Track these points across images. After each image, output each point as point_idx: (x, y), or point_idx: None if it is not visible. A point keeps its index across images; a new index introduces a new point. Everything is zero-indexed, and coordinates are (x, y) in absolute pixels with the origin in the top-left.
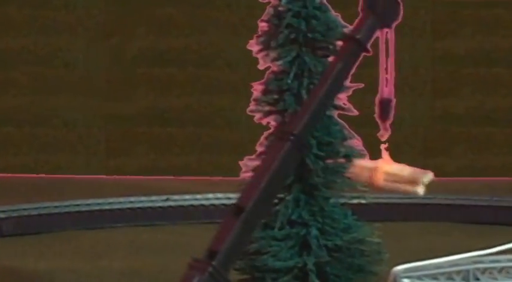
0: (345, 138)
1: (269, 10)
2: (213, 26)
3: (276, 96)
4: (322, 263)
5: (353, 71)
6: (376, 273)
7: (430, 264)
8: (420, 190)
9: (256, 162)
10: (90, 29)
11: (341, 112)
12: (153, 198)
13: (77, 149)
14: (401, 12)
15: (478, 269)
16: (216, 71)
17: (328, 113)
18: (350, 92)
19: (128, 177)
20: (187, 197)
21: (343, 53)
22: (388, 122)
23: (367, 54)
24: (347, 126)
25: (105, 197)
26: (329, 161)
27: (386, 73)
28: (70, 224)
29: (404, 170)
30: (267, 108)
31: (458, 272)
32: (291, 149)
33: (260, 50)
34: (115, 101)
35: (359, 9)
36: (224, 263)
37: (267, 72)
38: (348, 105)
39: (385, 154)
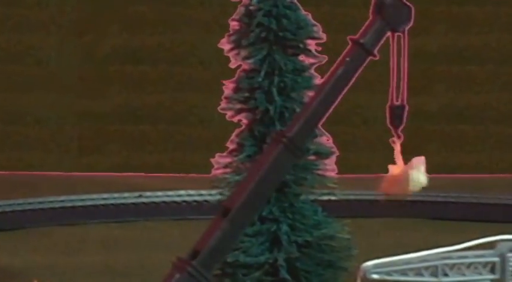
0: (314, 136)
1: (240, 9)
2: (186, 24)
3: (247, 94)
4: (293, 258)
5: (357, 75)
6: (345, 268)
7: (399, 260)
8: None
9: (228, 160)
10: (62, 27)
11: None
12: (126, 195)
13: (49, 146)
14: (412, 16)
15: (446, 264)
16: (189, 69)
17: (298, 110)
18: None
19: (101, 174)
20: (159, 193)
21: (346, 57)
22: (401, 129)
23: (374, 59)
24: None
25: (79, 194)
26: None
27: (398, 78)
28: (44, 220)
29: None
30: (238, 106)
31: (426, 268)
32: (283, 152)
33: (231, 49)
34: (88, 99)
35: (369, 12)
36: (205, 263)
37: (238, 70)
38: None
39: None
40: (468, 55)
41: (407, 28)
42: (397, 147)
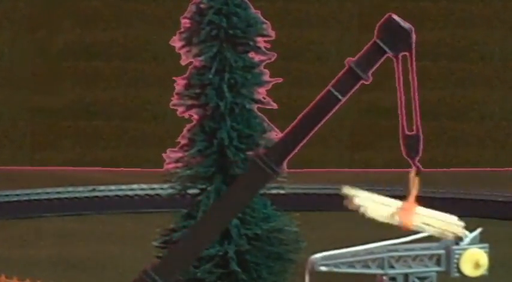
0: (264, 131)
1: (191, 7)
2: (139, 19)
3: (198, 91)
4: (243, 251)
5: (348, 96)
6: (294, 261)
7: (346, 252)
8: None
9: (179, 154)
10: (15, 22)
11: (261, 106)
12: (80, 188)
13: (2, 142)
14: (413, 41)
15: (392, 257)
16: (142, 64)
17: (248, 106)
18: (269, 86)
19: (55, 168)
20: (112, 187)
21: (338, 79)
22: (417, 158)
23: (365, 82)
24: (266, 119)
25: (33, 188)
26: (249, 153)
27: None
28: None
29: (438, 216)
30: (189, 102)
31: (373, 260)
32: (253, 169)
33: (182, 46)
34: (41, 95)
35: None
36: (162, 271)
37: (190, 67)
38: (267, 99)
39: (412, 196)
40: (422, 51)
41: (413, 53)
42: (415, 182)
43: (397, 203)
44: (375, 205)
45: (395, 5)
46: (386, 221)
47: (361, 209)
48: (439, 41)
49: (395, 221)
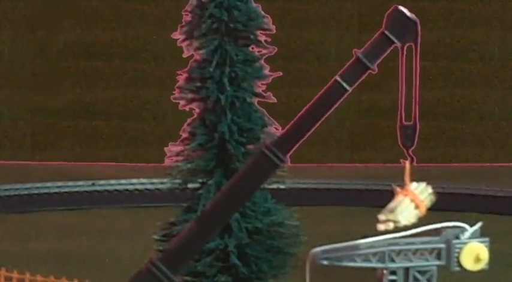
0: (265, 125)
1: (192, 1)
2: (139, 19)
3: (198, 84)
4: (243, 244)
5: (354, 87)
6: (294, 254)
7: (347, 246)
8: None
9: (180, 148)
10: (15, 22)
11: (261, 99)
12: (80, 183)
13: (3, 142)
14: (419, 32)
15: (393, 250)
16: (142, 64)
17: (248, 100)
18: (269, 81)
19: (55, 163)
20: (112, 182)
21: (345, 70)
22: (412, 149)
23: (373, 72)
24: (267, 113)
25: (33, 182)
26: (250, 147)
27: (406, 96)
28: None
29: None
30: (190, 95)
31: (374, 254)
32: (259, 159)
33: (184, 40)
34: (41, 95)
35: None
36: (168, 262)
37: (191, 61)
38: (268, 94)
39: (408, 185)
40: (421, 51)
41: (418, 44)
42: (408, 170)
43: (407, 201)
44: (402, 216)
45: (394, 4)
46: (416, 219)
47: (393, 225)
48: (438, 41)
49: (421, 212)
